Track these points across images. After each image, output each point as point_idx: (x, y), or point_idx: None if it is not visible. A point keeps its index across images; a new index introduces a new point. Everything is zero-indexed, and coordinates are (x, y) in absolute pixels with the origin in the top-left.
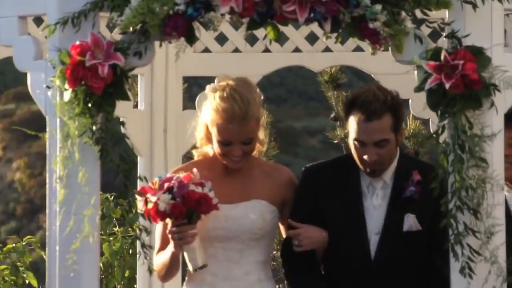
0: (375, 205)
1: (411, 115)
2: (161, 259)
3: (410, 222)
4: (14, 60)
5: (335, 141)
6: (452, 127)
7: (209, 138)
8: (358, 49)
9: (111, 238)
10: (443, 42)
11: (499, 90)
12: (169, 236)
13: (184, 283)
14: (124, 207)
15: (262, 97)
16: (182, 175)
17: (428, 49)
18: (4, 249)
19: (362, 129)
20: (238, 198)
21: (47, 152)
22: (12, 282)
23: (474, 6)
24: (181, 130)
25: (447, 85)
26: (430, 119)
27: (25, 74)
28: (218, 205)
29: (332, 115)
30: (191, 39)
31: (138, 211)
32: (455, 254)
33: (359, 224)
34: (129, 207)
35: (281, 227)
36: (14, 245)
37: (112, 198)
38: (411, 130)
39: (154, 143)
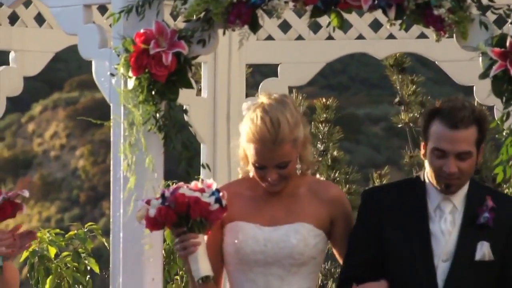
0: (443, 230)
1: (475, 102)
2: (190, 281)
3: (484, 250)
4: (79, 48)
5: (399, 125)
6: None
7: (247, 159)
8: (422, 36)
9: None
10: (508, 28)
11: None
12: (175, 248)
13: None
14: None
15: (306, 114)
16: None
17: (493, 36)
18: (66, 235)
19: (446, 137)
20: (281, 220)
21: (111, 139)
22: (74, 268)
23: None
24: (243, 117)
25: None
26: (495, 106)
27: (89, 62)
28: (240, 217)
29: (397, 100)
30: (255, 26)
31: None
32: None
33: (425, 250)
34: None
35: (334, 251)
36: (76, 231)
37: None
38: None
39: (217, 130)
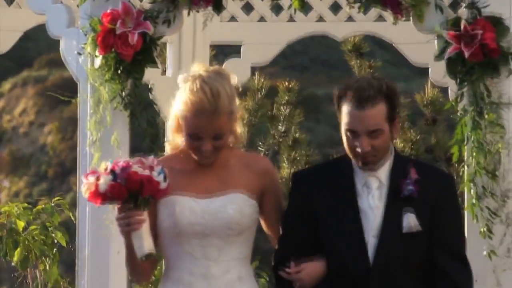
0: (372, 206)
1: (429, 83)
2: (126, 259)
3: (410, 222)
4: (47, 27)
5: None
6: (471, 95)
7: (180, 131)
8: (380, 18)
9: None
10: (463, 12)
11: None
12: (117, 224)
13: (160, 284)
14: None
15: (237, 89)
16: (133, 159)
17: (448, 19)
18: (34, 209)
19: (355, 117)
20: (215, 191)
21: (78, 116)
22: (41, 241)
23: None
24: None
25: (467, 54)
26: (449, 87)
27: (58, 41)
28: (175, 189)
29: None
30: (219, 7)
31: (83, 194)
32: (475, 216)
33: (355, 226)
34: None
35: (262, 222)
36: (44, 206)
37: None
38: (430, 98)
39: None
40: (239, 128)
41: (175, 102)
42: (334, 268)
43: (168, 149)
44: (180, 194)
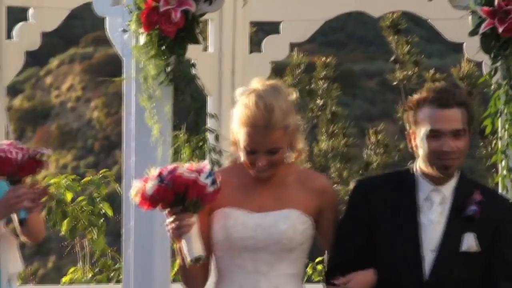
0: (432, 220)
1: (465, 58)
2: (179, 264)
3: (470, 241)
4: (93, 6)
5: (394, 83)
6: (505, 69)
7: (237, 145)
8: None
9: None
10: None
11: None
12: (166, 229)
13: None
14: (194, 143)
15: (293, 103)
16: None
17: None
18: (82, 181)
19: (439, 117)
20: (270, 207)
21: (123, 92)
22: (89, 212)
23: None
24: (247, 72)
25: (500, 29)
26: (483, 62)
27: (103, 19)
28: (229, 203)
29: (392, 58)
30: None
31: (132, 198)
32: (505, 187)
33: (413, 240)
34: (201, 142)
35: (320, 238)
36: (91, 178)
37: (183, 134)
38: (465, 72)
39: (223, 83)
40: (301, 144)
41: (234, 116)
42: (388, 280)
43: (227, 162)
44: (234, 207)
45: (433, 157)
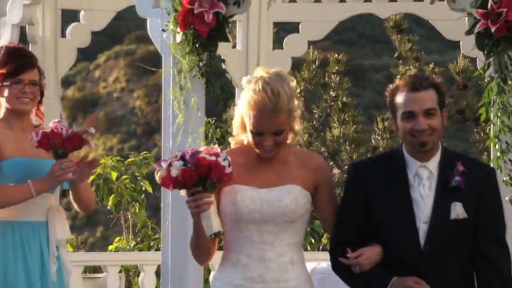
0: (422, 195)
1: (461, 54)
2: (191, 239)
3: (457, 210)
4: (136, 8)
5: (398, 76)
6: (496, 64)
7: (244, 128)
8: None
9: None
10: None
11: None
12: (187, 206)
13: (219, 265)
14: (223, 129)
15: (296, 90)
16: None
17: None
18: (126, 162)
19: (411, 99)
20: (273, 183)
21: (162, 83)
22: (132, 189)
23: None
24: (271, 66)
25: (493, 29)
26: (478, 58)
27: (145, 20)
28: (237, 181)
29: (396, 55)
30: None
31: (157, 179)
32: (499, 167)
33: (408, 214)
34: (227, 129)
35: (318, 213)
36: (133, 159)
37: (213, 122)
38: (461, 67)
39: None
40: (298, 126)
41: (240, 102)
42: (389, 252)
43: (232, 143)
44: (242, 184)
45: (409, 135)
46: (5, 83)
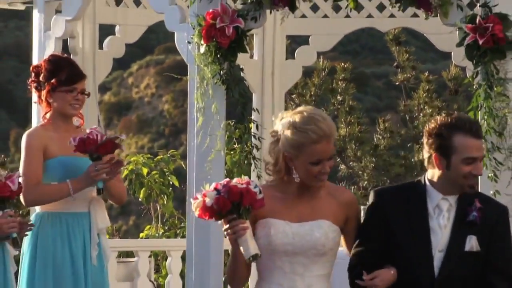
0: (441, 225)
1: (453, 64)
2: (228, 264)
3: (472, 243)
4: (165, 23)
5: (396, 83)
6: (484, 72)
7: (288, 169)
8: (415, 15)
9: (232, 152)
10: (478, 10)
11: None
12: (225, 234)
13: None
14: (241, 130)
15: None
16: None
17: (466, 15)
18: (155, 159)
19: (475, 146)
20: (306, 217)
21: (188, 89)
22: (160, 183)
23: None
24: (284, 75)
25: (480, 42)
26: (467, 67)
27: (173, 33)
28: (271, 214)
29: (395, 64)
30: (293, 7)
31: (193, 212)
32: (485, 164)
33: (425, 242)
34: (245, 129)
35: (343, 241)
36: (162, 156)
37: (233, 123)
38: (453, 75)
39: (265, 84)
40: None
41: (280, 145)
42: (403, 276)
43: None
44: (277, 218)
45: (464, 178)
46: (59, 90)
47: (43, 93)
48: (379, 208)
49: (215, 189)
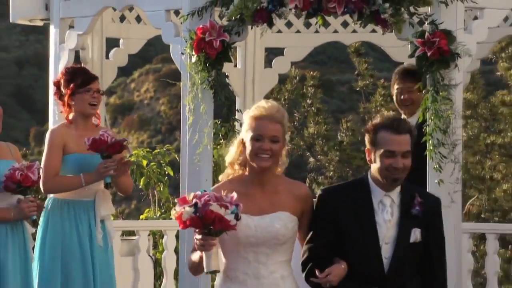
0: (385, 219)
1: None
2: (191, 257)
3: (417, 235)
4: (162, 37)
5: (357, 89)
6: (431, 80)
7: (242, 154)
8: (374, 31)
9: (218, 147)
10: (426, 27)
11: (460, 57)
12: (195, 242)
13: (219, 279)
14: (226, 128)
15: (288, 123)
16: (215, 192)
17: (417, 31)
18: (153, 152)
19: (394, 141)
20: (266, 210)
21: (182, 93)
22: (158, 173)
23: (446, 4)
24: (262, 81)
25: (429, 54)
26: None
27: (168, 45)
28: (238, 224)
29: (356, 72)
30: (270, 24)
31: (172, 215)
32: (431, 157)
33: (372, 235)
34: (230, 127)
35: (298, 235)
36: (159, 150)
37: (219, 122)
38: None
39: (246, 88)
40: (285, 157)
41: (242, 130)
42: (355, 268)
43: (223, 176)
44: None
45: (385, 171)
46: (77, 92)
47: (65, 99)
48: (329, 206)
49: (195, 205)
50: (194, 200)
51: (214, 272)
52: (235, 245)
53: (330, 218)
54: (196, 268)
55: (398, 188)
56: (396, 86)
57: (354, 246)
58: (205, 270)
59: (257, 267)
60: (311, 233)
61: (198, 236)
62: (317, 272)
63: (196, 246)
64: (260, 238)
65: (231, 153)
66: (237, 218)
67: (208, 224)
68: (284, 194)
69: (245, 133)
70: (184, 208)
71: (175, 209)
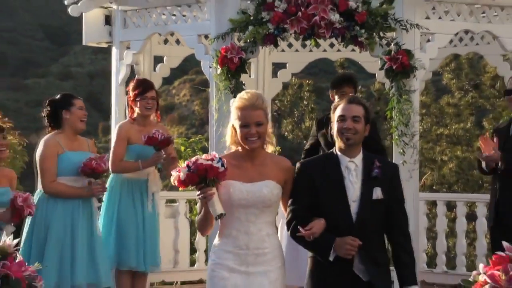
0: (352, 181)
1: (377, 81)
2: (198, 217)
3: (377, 193)
4: (195, 55)
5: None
6: (396, 86)
7: (235, 136)
8: (353, 50)
9: None
10: (392, 47)
11: (417, 69)
12: (197, 198)
13: (217, 236)
14: None
15: (268, 108)
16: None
17: (385, 50)
18: (189, 141)
19: (345, 108)
20: (256, 179)
21: (210, 97)
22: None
23: (407, 30)
24: (270, 88)
25: (394, 67)
26: (386, 83)
27: (200, 61)
28: (230, 177)
29: None
30: (276, 45)
31: (172, 181)
32: (397, 144)
33: (342, 195)
34: None
35: (282, 201)
36: (193, 139)
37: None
38: (376, 87)
39: None
40: (270, 133)
41: (231, 119)
42: (329, 223)
43: (226, 151)
44: (234, 180)
45: (339, 132)
46: (137, 99)
47: (130, 103)
48: (306, 175)
49: (187, 165)
50: (185, 164)
51: (221, 216)
52: (229, 207)
53: (308, 184)
54: (202, 224)
55: (360, 156)
56: (336, 96)
57: (327, 206)
58: (214, 216)
59: (247, 225)
60: (292, 198)
61: (199, 192)
62: (300, 229)
63: (200, 202)
64: (250, 201)
65: (228, 136)
66: (223, 165)
67: (202, 175)
68: (271, 166)
69: (234, 121)
70: (180, 172)
71: (172, 175)
